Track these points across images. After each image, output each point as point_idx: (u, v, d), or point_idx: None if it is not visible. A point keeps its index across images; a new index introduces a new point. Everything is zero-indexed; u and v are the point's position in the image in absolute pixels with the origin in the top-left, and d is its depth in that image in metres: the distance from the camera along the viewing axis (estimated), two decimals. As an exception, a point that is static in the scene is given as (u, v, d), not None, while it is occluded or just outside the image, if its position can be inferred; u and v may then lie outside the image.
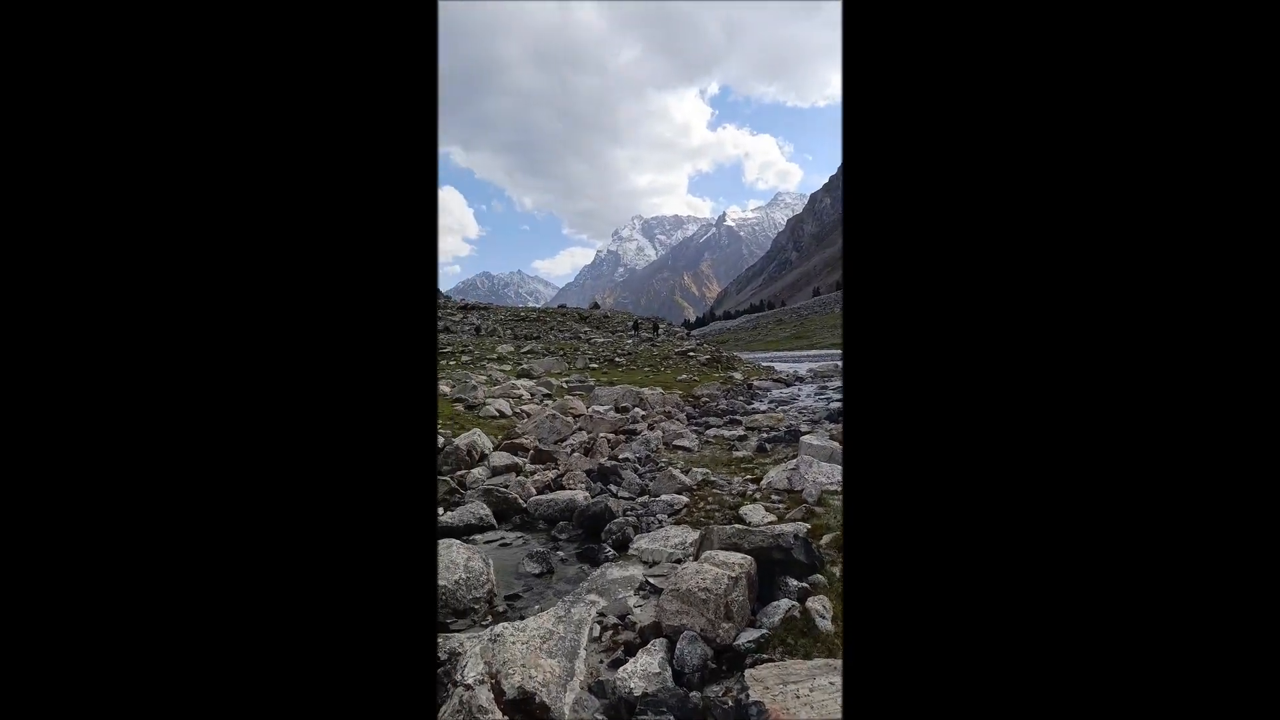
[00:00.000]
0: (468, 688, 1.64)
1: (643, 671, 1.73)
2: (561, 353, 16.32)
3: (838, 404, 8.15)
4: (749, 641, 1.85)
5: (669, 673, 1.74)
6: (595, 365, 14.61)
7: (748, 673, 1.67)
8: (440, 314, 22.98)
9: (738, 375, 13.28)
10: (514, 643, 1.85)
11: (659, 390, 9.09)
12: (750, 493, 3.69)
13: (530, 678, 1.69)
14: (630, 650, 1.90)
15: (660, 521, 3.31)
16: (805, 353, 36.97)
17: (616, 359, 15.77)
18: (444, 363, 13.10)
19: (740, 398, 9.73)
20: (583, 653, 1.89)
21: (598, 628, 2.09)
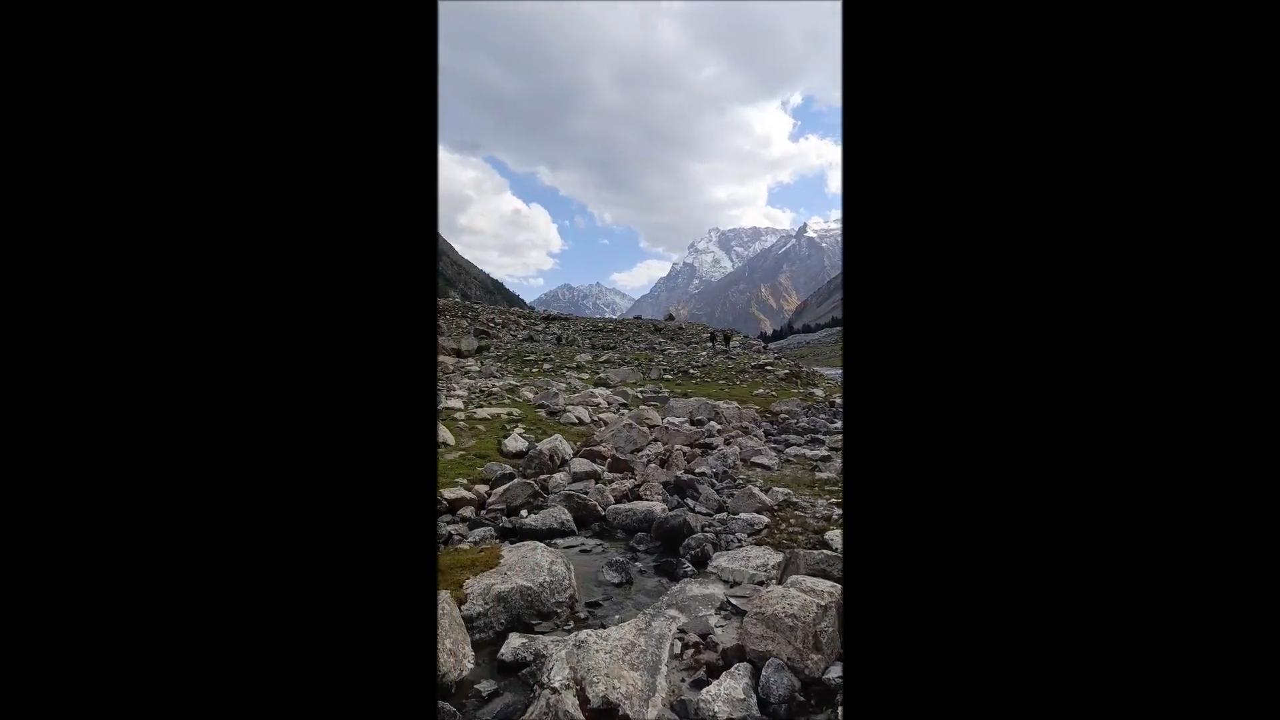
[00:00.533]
0: (554, 691, 1.69)
1: (726, 695, 1.69)
2: (636, 363, 16.55)
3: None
4: (840, 677, 1.75)
5: (754, 700, 1.68)
6: (669, 376, 14.65)
7: (841, 711, 1.58)
8: (525, 323, 24.19)
9: (819, 392, 12.72)
10: (598, 651, 1.88)
11: (735, 404, 8.93)
12: (836, 517, 3.51)
13: (614, 688, 1.70)
14: (712, 671, 1.86)
15: (740, 540, 3.23)
16: (892, 370, 34.68)
17: (690, 371, 15.72)
18: (528, 370, 13.75)
19: (822, 415, 9.30)
20: (664, 669, 1.88)
21: (678, 644, 2.07)
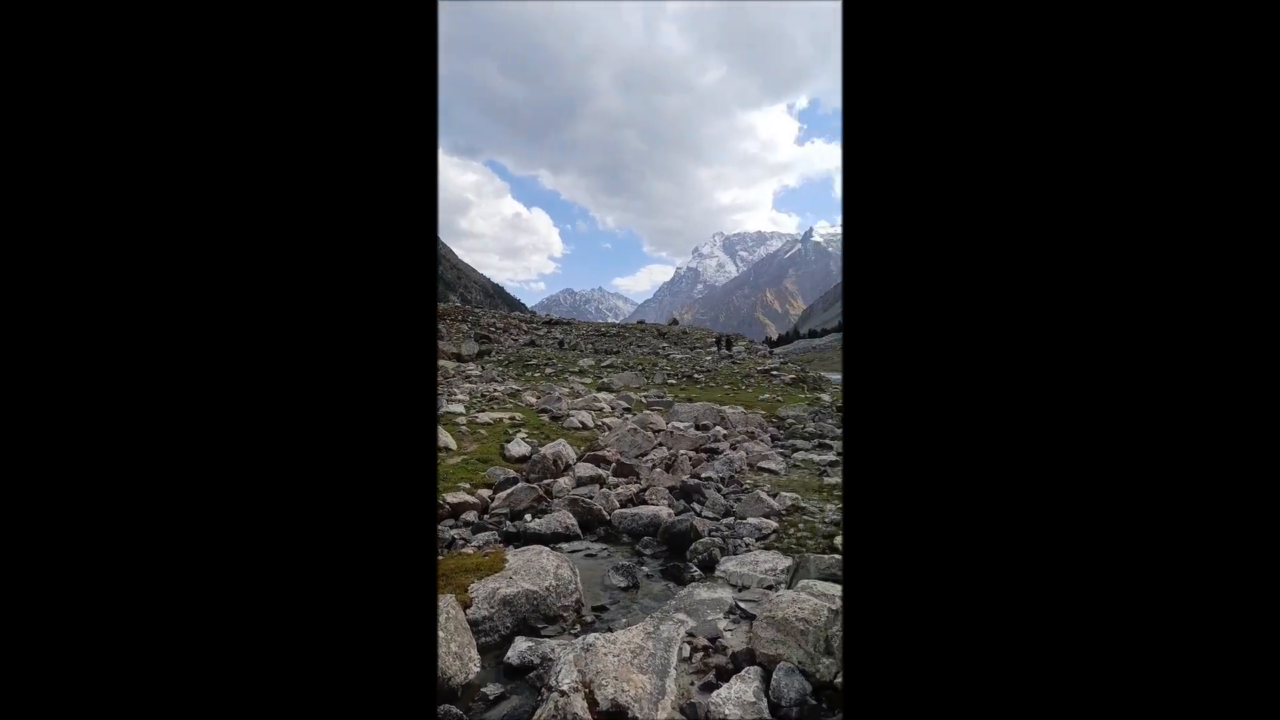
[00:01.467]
0: (562, 694, 1.67)
1: (737, 699, 1.66)
2: (640, 368, 16.53)
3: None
4: (852, 682, 1.73)
5: (764, 704, 1.66)
6: (673, 381, 14.62)
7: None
8: (526, 328, 24.23)
9: (825, 397, 12.66)
10: (605, 654, 1.86)
11: (740, 409, 8.89)
12: (844, 521, 3.48)
13: (623, 691, 1.68)
14: (722, 675, 1.84)
15: (747, 545, 3.20)
16: (897, 375, 34.61)
17: (695, 375, 15.69)
18: (530, 374, 13.75)
19: (829, 421, 9.25)
20: (673, 672, 1.86)
21: (687, 648, 2.05)
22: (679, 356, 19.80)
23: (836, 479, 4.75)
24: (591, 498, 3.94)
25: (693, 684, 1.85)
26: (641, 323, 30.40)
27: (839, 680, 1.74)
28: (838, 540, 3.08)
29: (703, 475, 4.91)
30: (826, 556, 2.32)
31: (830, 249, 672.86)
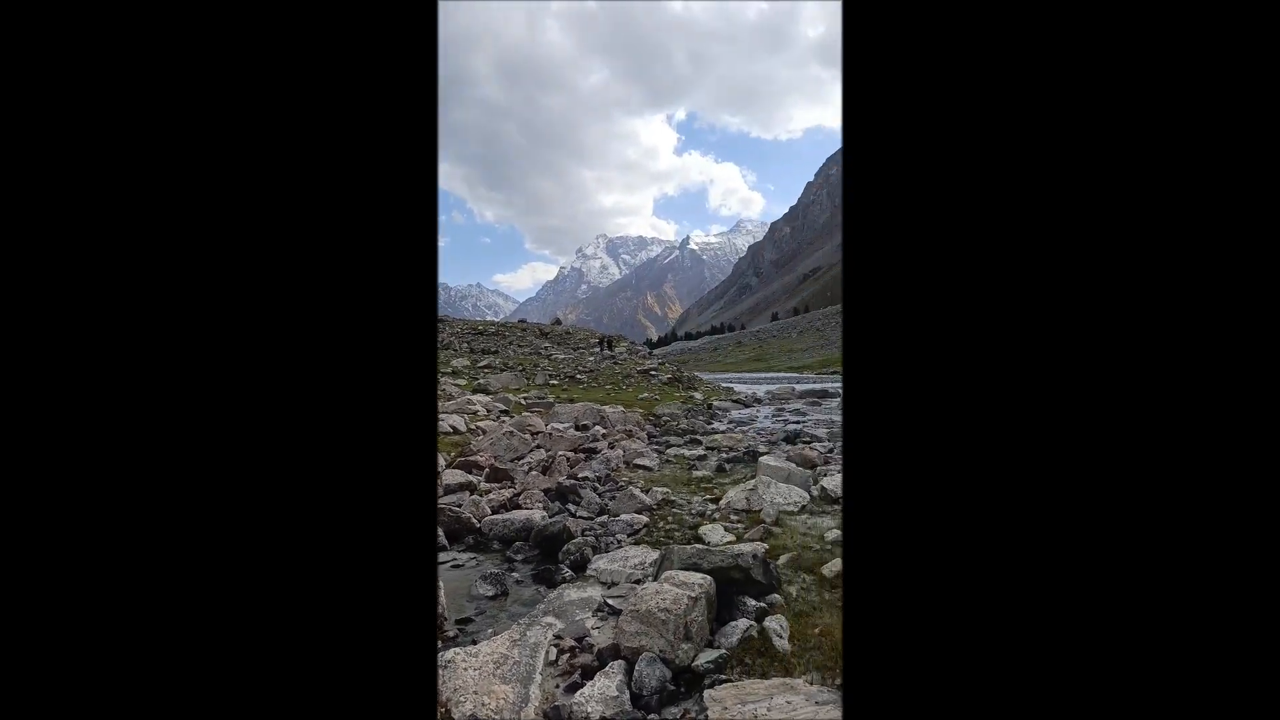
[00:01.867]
0: (414, 718, 1.56)
1: (600, 695, 1.69)
2: (521, 368, 16.07)
3: (795, 426, 8.34)
4: (708, 662, 1.84)
5: (627, 695, 1.70)
6: (556, 382, 14.45)
7: (706, 694, 1.66)
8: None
9: (698, 395, 13.42)
10: (466, 669, 1.77)
11: (620, 408, 9.07)
12: (710, 512, 3.71)
13: (482, 705, 1.62)
14: (588, 673, 1.85)
15: (619, 542, 3.27)
16: (763, 375, 37.86)
17: (578, 376, 15.66)
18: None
19: (700, 417, 9.83)
20: (538, 677, 1.83)
21: (554, 650, 2.03)
22: (562, 357, 19.61)
23: (704, 472, 5.06)
24: (460, 506, 3.73)
25: (558, 686, 1.83)
26: (523, 322, 29.53)
27: (696, 663, 1.85)
28: (702, 530, 3.28)
29: (580, 475, 4.91)
30: (689, 546, 2.45)
31: (704, 257, 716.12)
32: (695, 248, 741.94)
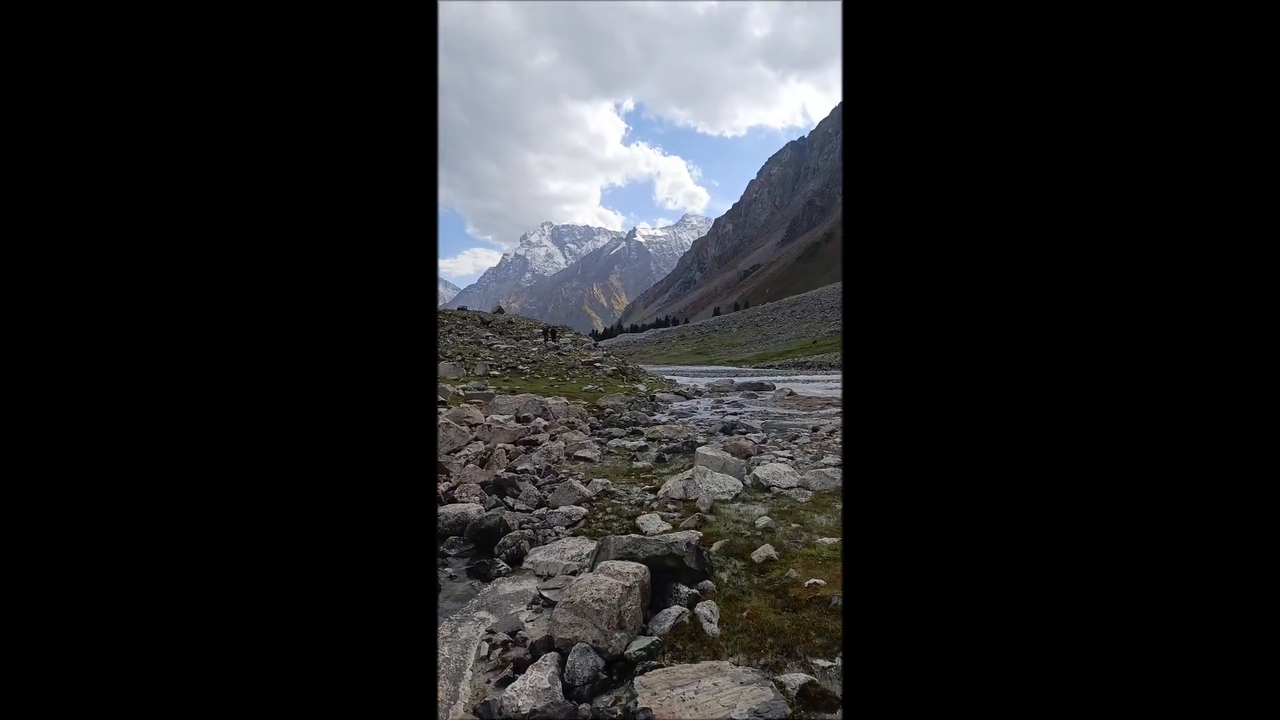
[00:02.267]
0: (333, 723, 1.49)
1: (532, 688, 1.68)
2: (460, 358, 15.52)
3: (732, 418, 8.61)
4: (640, 649, 1.88)
5: (559, 687, 1.71)
6: (497, 373, 14.09)
7: (637, 680, 1.70)
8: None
9: (642, 387, 13.53)
10: (391, 669, 1.71)
11: (564, 400, 8.99)
12: (648, 502, 3.77)
13: (408, 705, 1.57)
14: (520, 667, 1.84)
15: (557, 534, 3.26)
16: (705, 368, 38.74)
17: (520, 366, 15.35)
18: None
19: (643, 409, 9.92)
20: (469, 673, 1.81)
21: (486, 646, 2.00)
22: (504, 347, 19.12)
23: (644, 463, 5.13)
24: (391, 500, 3.58)
25: (489, 682, 1.81)
26: (463, 309, 28.46)
27: (629, 651, 1.89)
28: (640, 520, 3.33)
29: (519, 468, 4.84)
30: (625, 537, 2.49)
31: (650, 250, 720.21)
32: (642, 240, 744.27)
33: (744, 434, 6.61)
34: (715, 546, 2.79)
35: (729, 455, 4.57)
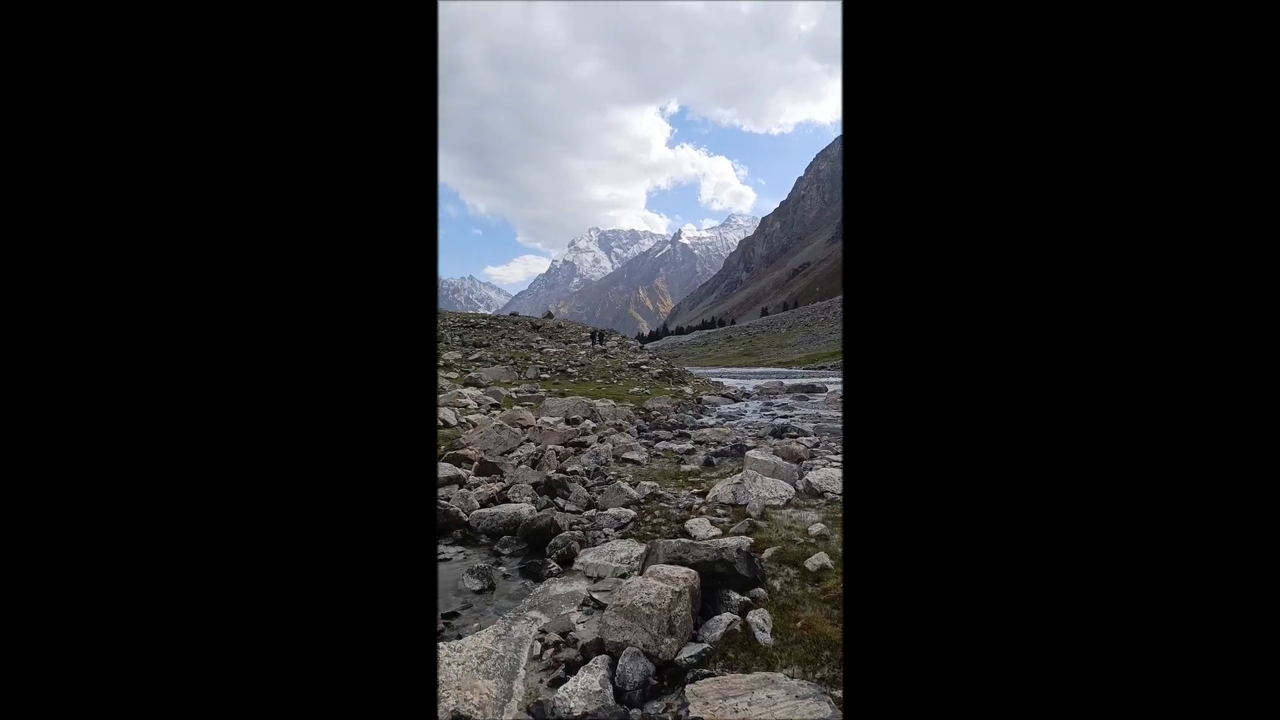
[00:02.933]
0: (397, 713, 1.56)
1: (583, 690, 1.70)
2: (512, 361, 16.00)
3: (782, 420, 8.40)
4: (691, 656, 1.86)
5: (610, 690, 1.71)
6: (547, 375, 14.41)
7: (688, 688, 1.68)
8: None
9: (688, 390, 13.45)
10: (449, 664, 1.77)
11: (611, 402, 9.07)
12: (696, 506, 3.73)
13: (465, 700, 1.62)
14: (571, 668, 1.86)
15: (606, 536, 3.28)
16: (753, 370, 38.04)
17: (569, 370, 15.63)
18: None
19: (690, 412, 9.86)
20: (522, 672, 1.84)
21: (539, 645, 2.04)
22: (553, 351, 19.55)
23: (692, 466, 5.08)
24: (448, 499, 3.72)
25: (541, 681, 1.84)
26: (514, 315, 29.36)
27: (679, 657, 1.87)
28: (689, 524, 3.30)
29: (569, 469, 4.92)
30: (674, 541, 2.47)
31: (696, 251, 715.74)
32: (687, 242, 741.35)
33: (795, 437, 6.43)
34: (767, 553, 2.72)
35: (780, 459, 4.46)
